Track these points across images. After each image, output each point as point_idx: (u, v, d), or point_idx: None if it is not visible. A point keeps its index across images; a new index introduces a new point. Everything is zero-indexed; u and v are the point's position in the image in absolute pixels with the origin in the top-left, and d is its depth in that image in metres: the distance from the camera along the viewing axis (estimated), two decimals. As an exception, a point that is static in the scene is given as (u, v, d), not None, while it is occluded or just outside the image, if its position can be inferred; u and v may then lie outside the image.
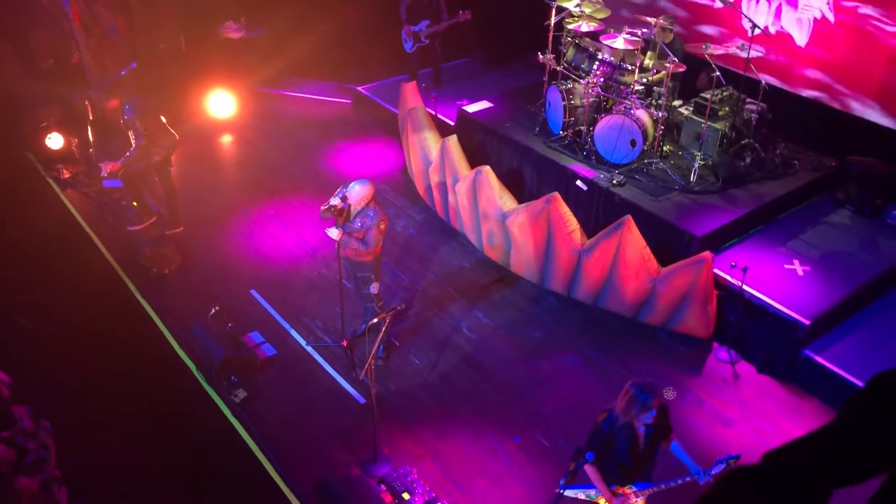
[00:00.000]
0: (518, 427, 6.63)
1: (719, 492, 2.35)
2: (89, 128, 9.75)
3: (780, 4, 9.05)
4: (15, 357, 6.95)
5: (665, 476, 4.88)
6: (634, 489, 4.89)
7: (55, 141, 10.00)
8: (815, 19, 8.78)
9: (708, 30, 9.80)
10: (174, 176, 9.00)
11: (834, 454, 2.13)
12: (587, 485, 5.02)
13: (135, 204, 9.15)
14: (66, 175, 9.93)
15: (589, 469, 4.79)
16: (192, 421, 6.69)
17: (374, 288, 6.93)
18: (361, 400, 6.86)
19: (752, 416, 6.76)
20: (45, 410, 6.03)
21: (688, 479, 4.75)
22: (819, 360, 6.88)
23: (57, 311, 7.64)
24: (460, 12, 10.57)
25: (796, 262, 7.67)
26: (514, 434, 6.55)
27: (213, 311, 7.41)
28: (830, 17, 8.62)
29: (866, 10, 8.30)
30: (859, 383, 6.59)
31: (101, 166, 8.77)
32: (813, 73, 9.00)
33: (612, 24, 8.96)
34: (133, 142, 8.52)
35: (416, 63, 11.12)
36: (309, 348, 7.44)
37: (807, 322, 6.93)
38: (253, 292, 8.10)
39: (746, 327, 7.31)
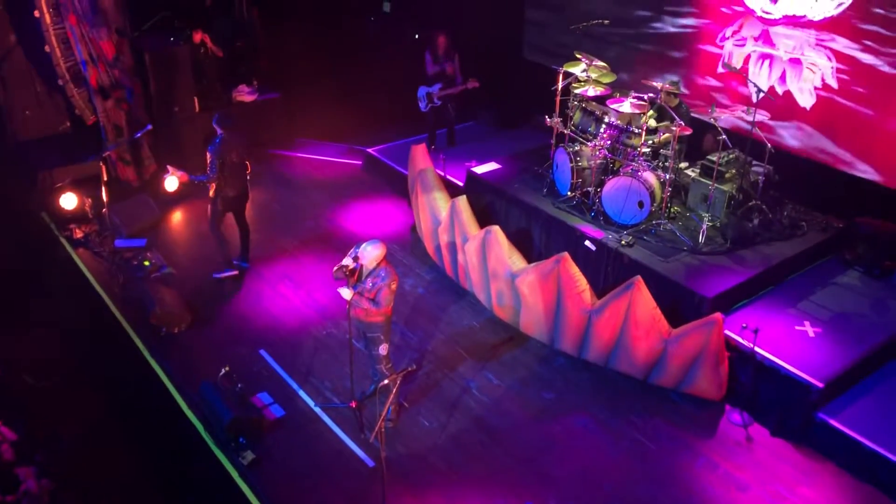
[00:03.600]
0: (530, 491, 6.52)
1: None
2: (103, 188, 9.90)
3: (784, 69, 9.24)
4: (21, 415, 6.93)
5: None
6: None
7: (69, 201, 10.14)
8: (816, 86, 8.93)
9: (714, 93, 9.99)
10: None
11: None
12: None
13: (146, 263, 9.22)
14: (79, 234, 10.03)
15: None
16: (199, 483, 6.61)
17: (384, 349, 6.92)
18: (370, 463, 6.78)
19: (768, 481, 6.64)
20: (51, 470, 6.00)
21: None
22: (834, 423, 6.79)
23: (65, 370, 7.64)
24: (469, 80, 10.92)
25: (807, 323, 7.64)
26: (525, 498, 6.45)
27: (223, 371, 7.39)
28: (833, 83, 8.78)
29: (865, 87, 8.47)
30: (876, 447, 6.50)
31: (167, 167, 8.84)
32: (817, 136, 9.11)
33: (618, 88, 9.13)
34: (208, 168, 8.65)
35: (433, 123, 11.40)
36: (318, 409, 7.38)
37: (820, 384, 6.86)
38: (262, 352, 8.09)
39: (759, 389, 7.24)
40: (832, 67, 8.77)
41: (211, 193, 8.82)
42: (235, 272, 9.31)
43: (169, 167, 8.84)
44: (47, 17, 10.28)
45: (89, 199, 10.16)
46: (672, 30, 10.32)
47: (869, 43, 8.41)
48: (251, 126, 12.03)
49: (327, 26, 12.70)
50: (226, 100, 12.00)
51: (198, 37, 11.46)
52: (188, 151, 11.08)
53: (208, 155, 8.62)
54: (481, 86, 11.10)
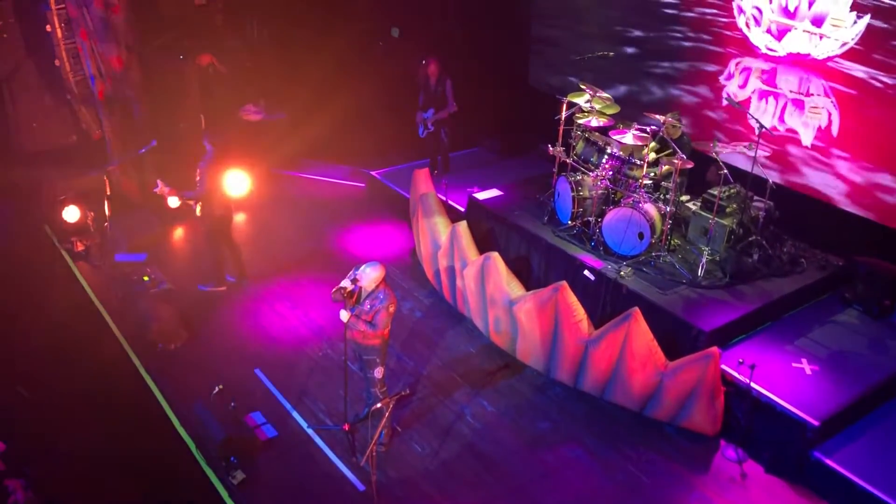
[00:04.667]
0: (520, 521, 6.47)
1: None
2: (106, 202, 9.94)
3: (785, 104, 9.30)
4: (14, 427, 6.90)
5: None
6: None
7: (72, 214, 10.18)
8: (819, 121, 8.99)
9: (717, 128, 10.05)
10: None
11: None
12: None
13: (145, 278, 9.25)
14: (80, 248, 10.05)
15: None
16: (188, 501, 6.57)
17: (379, 373, 6.90)
18: (361, 487, 6.73)
19: (761, 519, 6.59)
20: (42, 483, 5.96)
21: None
22: (829, 462, 6.74)
23: (60, 383, 7.62)
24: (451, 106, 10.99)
25: (804, 360, 7.61)
26: (516, 528, 6.39)
27: (217, 389, 7.37)
28: (835, 119, 8.84)
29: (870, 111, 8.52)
30: (870, 488, 6.44)
31: (158, 181, 8.96)
32: (818, 173, 9.15)
33: (622, 119, 9.19)
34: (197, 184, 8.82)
35: (431, 149, 11.44)
36: (310, 431, 7.35)
37: (816, 423, 6.83)
38: (257, 371, 8.07)
39: (754, 426, 7.20)
40: (832, 108, 8.83)
41: (198, 212, 8.90)
42: (224, 288, 9.32)
43: (159, 182, 8.91)
44: (59, 32, 10.41)
45: (92, 213, 10.21)
46: (678, 63, 10.41)
47: (872, 82, 8.47)
48: (256, 145, 12.13)
49: (336, 49, 12.82)
50: (232, 118, 12.09)
51: (206, 60, 11.57)
52: (192, 168, 11.12)
53: (197, 171, 8.72)
54: (487, 113, 11.14)
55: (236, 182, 11.39)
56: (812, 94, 9.03)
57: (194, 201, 8.83)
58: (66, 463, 6.72)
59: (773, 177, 8.65)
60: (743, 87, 9.69)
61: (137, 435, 7.09)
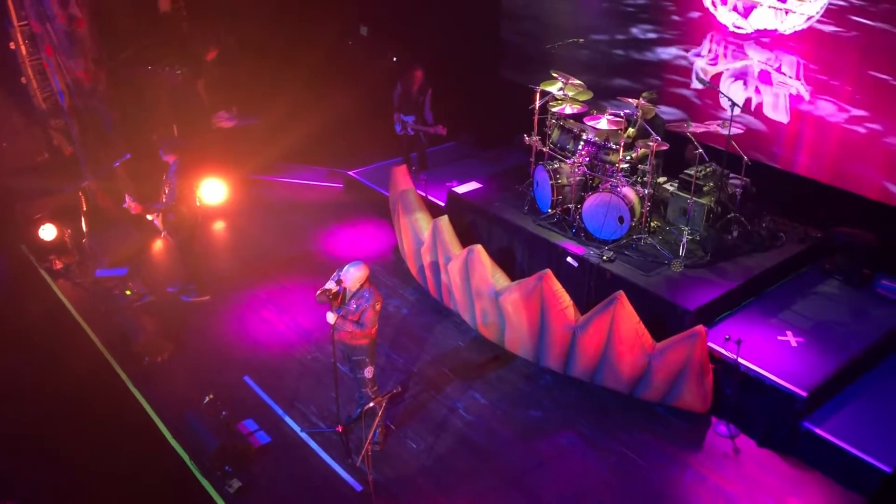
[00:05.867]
0: (519, 510, 6.50)
1: None
2: (83, 218, 9.83)
3: (755, 80, 9.37)
4: (1, 446, 6.84)
5: None
6: None
7: (48, 232, 10.05)
8: (791, 95, 9.08)
9: (690, 107, 10.12)
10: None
11: None
12: None
13: (128, 293, 9.17)
14: (59, 266, 9.93)
15: None
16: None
17: (369, 373, 6.90)
18: (358, 487, 6.73)
19: (756, 492, 6.66)
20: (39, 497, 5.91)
21: None
22: (819, 432, 6.83)
23: (46, 402, 7.54)
24: (440, 126, 10.74)
25: (789, 333, 7.70)
26: (515, 518, 6.42)
27: (207, 399, 7.33)
28: (805, 94, 8.92)
29: (839, 104, 8.62)
30: (862, 455, 6.54)
31: (126, 196, 8.89)
32: (792, 147, 9.24)
33: (595, 105, 9.22)
34: (164, 197, 8.78)
35: (405, 147, 11.38)
36: (304, 435, 7.33)
37: (804, 394, 6.91)
38: (247, 378, 8.03)
39: (744, 401, 7.27)
40: (802, 82, 8.92)
41: (160, 226, 8.88)
42: (207, 297, 9.30)
43: (127, 196, 8.85)
44: (23, 49, 10.27)
45: (69, 230, 10.09)
46: (647, 53, 10.46)
47: (838, 54, 8.56)
48: (231, 152, 12.05)
49: (306, 50, 12.76)
50: (205, 126, 12.00)
51: (211, 56, 11.52)
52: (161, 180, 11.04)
53: (165, 183, 8.74)
54: (461, 106, 11.11)
55: (212, 190, 11.33)
56: (781, 69, 9.11)
57: (159, 213, 8.79)
58: (58, 482, 6.66)
59: (748, 153, 8.71)
60: (713, 64, 9.75)
61: (130, 449, 7.03)
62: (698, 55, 9.88)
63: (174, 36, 12.23)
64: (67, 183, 10.56)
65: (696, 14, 9.78)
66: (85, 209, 9.86)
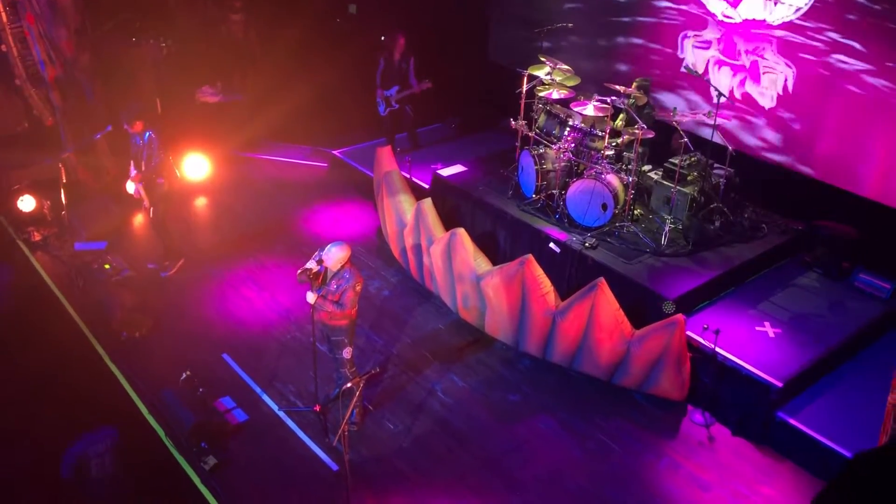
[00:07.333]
0: (496, 494, 6.53)
1: None
2: (62, 190, 9.70)
3: (743, 70, 9.38)
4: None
5: None
6: None
7: (27, 203, 9.93)
8: (776, 86, 9.09)
9: (677, 95, 10.11)
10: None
11: None
12: None
13: (107, 266, 9.09)
14: (37, 238, 9.82)
15: None
16: (160, 489, 6.51)
17: (347, 353, 6.88)
18: (334, 467, 6.73)
19: (729, 480, 6.73)
20: (11, 476, 5.86)
21: None
22: (793, 422, 6.91)
23: (24, 375, 7.46)
24: (423, 81, 10.84)
25: (767, 324, 7.76)
26: (492, 503, 6.45)
27: (185, 375, 7.30)
28: (790, 85, 8.94)
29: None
30: (833, 446, 6.62)
31: (131, 169, 8.96)
32: (777, 139, 9.28)
33: (583, 91, 9.19)
34: (144, 161, 8.78)
35: (391, 127, 11.32)
36: (281, 413, 7.32)
37: (779, 384, 6.98)
38: (225, 356, 7.99)
39: (720, 390, 7.33)
40: (792, 71, 8.94)
41: (144, 195, 8.91)
42: (182, 261, 9.37)
43: (132, 168, 8.81)
44: (4, 17, 10.06)
45: (48, 202, 9.97)
46: (633, 38, 10.43)
47: (826, 48, 8.58)
48: (215, 128, 11.93)
49: (293, 28, 12.61)
50: (189, 101, 11.88)
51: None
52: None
53: (142, 151, 8.74)
54: (448, 88, 11.06)
55: (195, 166, 11.22)
56: (768, 59, 9.12)
57: (143, 183, 8.78)
58: (32, 455, 6.61)
59: (734, 143, 8.74)
60: (702, 49, 9.73)
61: (105, 424, 6.98)
62: (686, 37, 9.85)
63: (160, 8, 12.07)
64: (47, 154, 10.42)
65: (686, 4, 9.75)
66: (65, 181, 9.73)
